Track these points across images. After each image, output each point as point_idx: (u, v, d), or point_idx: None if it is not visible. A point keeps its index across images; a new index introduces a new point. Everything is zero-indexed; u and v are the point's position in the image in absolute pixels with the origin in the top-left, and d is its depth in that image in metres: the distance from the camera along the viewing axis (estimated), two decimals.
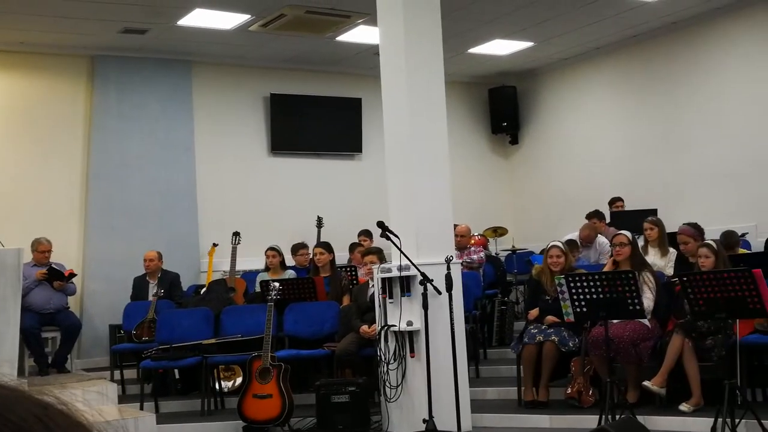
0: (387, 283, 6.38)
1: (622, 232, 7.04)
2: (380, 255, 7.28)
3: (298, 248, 9.19)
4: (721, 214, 9.68)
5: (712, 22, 10.13)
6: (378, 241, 7.73)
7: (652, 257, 7.62)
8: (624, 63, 11.36)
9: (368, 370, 6.92)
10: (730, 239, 7.50)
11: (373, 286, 6.90)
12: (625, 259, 6.71)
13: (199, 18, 9.21)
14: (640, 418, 5.62)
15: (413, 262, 6.12)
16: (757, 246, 8.77)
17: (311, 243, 9.19)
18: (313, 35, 10.03)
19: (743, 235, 8.91)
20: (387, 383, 6.31)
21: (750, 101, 9.80)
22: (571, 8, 9.63)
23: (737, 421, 5.13)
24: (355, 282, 8.35)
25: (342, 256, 9.41)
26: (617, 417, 5.52)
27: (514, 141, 13.01)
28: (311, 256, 8.69)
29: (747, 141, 9.81)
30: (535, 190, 12.65)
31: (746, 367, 6.12)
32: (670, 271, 7.36)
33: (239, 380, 7.66)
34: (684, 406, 6.09)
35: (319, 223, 10.66)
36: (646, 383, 6.20)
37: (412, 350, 6.25)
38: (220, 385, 7.55)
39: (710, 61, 10.26)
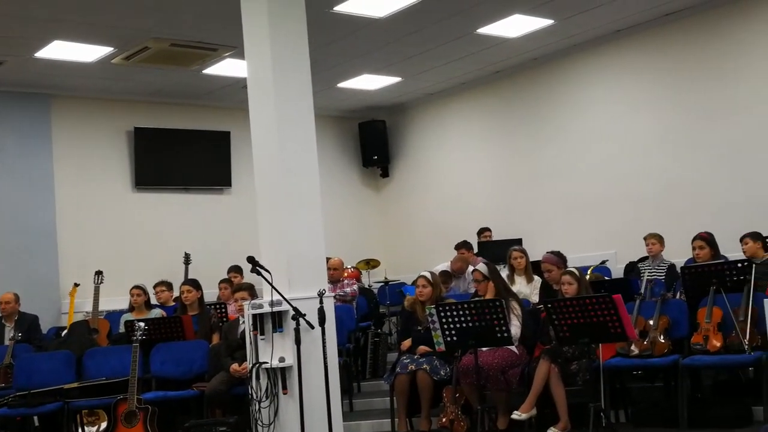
0: (258, 320, 6.26)
1: (478, 267, 7.18)
2: (251, 291, 7.17)
3: (155, 286, 8.89)
4: (583, 242, 10.06)
5: (571, 58, 10.57)
6: (249, 277, 7.61)
7: (519, 285, 7.81)
8: (489, 97, 11.69)
9: (239, 408, 6.77)
10: None
11: (243, 322, 6.78)
12: (485, 293, 6.86)
13: (58, 50, 8.91)
14: None
15: (285, 297, 6.04)
16: (617, 272, 9.13)
17: (179, 280, 8.93)
18: (179, 68, 9.86)
19: (603, 262, 9.28)
20: (259, 421, 6.18)
21: (607, 134, 10.25)
22: (437, 45, 9.85)
23: None
24: (224, 319, 8.18)
25: (211, 293, 9.22)
26: None
27: (385, 174, 13.15)
28: (176, 295, 8.47)
29: (606, 173, 10.24)
30: (406, 222, 12.80)
31: (609, 389, 6.33)
32: (535, 298, 7.56)
33: (104, 425, 7.33)
34: (552, 431, 6.22)
35: (187, 259, 10.42)
36: (514, 415, 6.29)
37: (284, 387, 6.14)
38: (83, 430, 7.22)
39: (570, 95, 10.69)
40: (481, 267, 7.14)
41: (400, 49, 9.93)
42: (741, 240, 7.34)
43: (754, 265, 6.48)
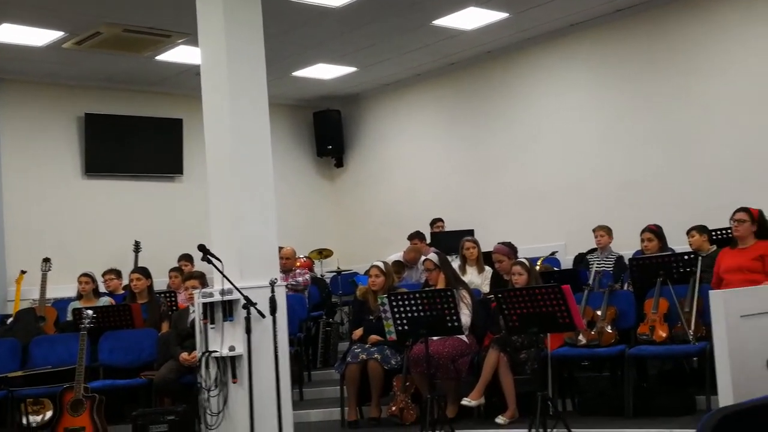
0: (208, 308, 6.22)
1: (429, 257, 7.23)
2: (202, 279, 7.12)
3: (104, 274, 8.77)
4: (534, 233, 10.16)
5: (525, 51, 10.65)
6: (200, 266, 7.55)
7: (470, 275, 7.87)
8: (443, 89, 11.73)
9: (188, 398, 6.72)
10: None
11: (193, 311, 6.73)
12: (437, 282, 6.90)
13: (6, 33, 8.73)
14: None
15: (236, 285, 6.01)
16: (567, 263, 9.25)
17: (128, 269, 8.82)
18: (132, 54, 9.73)
19: (553, 253, 9.38)
20: (208, 410, 6.15)
21: (559, 128, 10.36)
22: (392, 36, 9.86)
23: (549, 430, 5.35)
24: (174, 308, 8.11)
25: (161, 282, 9.13)
26: None
27: (339, 164, 13.14)
28: (125, 283, 8.38)
29: (557, 165, 10.35)
30: (359, 212, 12.81)
31: (557, 378, 6.42)
32: (486, 288, 7.63)
33: (49, 414, 7.22)
34: (500, 419, 6.30)
35: (137, 247, 10.31)
36: (464, 401, 6.37)
37: (234, 376, 6.12)
38: (27, 420, 7.10)
39: (524, 88, 10.78)
40: (432, 256, 7.19)
41: (355, 39, 9.92)
42: (688, 233, 7.48)
43: (700, 258, 6.61)
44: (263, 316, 6.01)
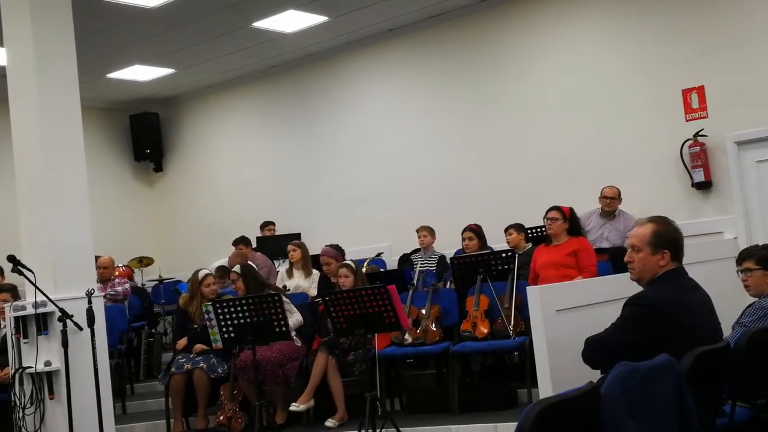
0: (21, 322, 5.90)
1: (234, 269, 7.11)
2: (13, 292, 6.83)
3: None
4: (360, 235, 10.26)
5: (346, 55, 10.75)
6: (10, 278, 7.12)
7: (297, 279, 7.86)
8: (266, 92, 11.64)
9: (2, 416, 6.32)
10: None
11: (5, 326, 6.34)
12: (242, 293, 6.77)
13: None
14: None
15: (50, 297, 5.74)
16: (392, 264, 9.40)
17: None
18: None
19: (379, 254, 9.52)
20: (23, 429, 5.81)
21: (381, 130, 10.52)
22: (211, 37, 9.68)
23: (379, 430, 5.40)
24: None
25: None
26: None
27: (159, 168, 12.77)
28: None
29: (380, 167, 10.50)
30: (181, 218, 12.50)
31: (385, 378, 6.50)
32: (314, 291, 7.63)
33: None
34: (330, 422, 6.31)
35: None
36: (292, 406, 6.33)
37: (51, 392, 5.82)
38: None
39: (345, 92, 10.87)
40: (236, 267, 7.07)
41: (173, 40, 9.67)
42: (506, 231, 7.78)
43: (517, 255, 6.89)
44: (80, 328, 5.82)
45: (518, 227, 7.78)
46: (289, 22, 9.51)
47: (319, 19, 9.51)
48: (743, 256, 4.41)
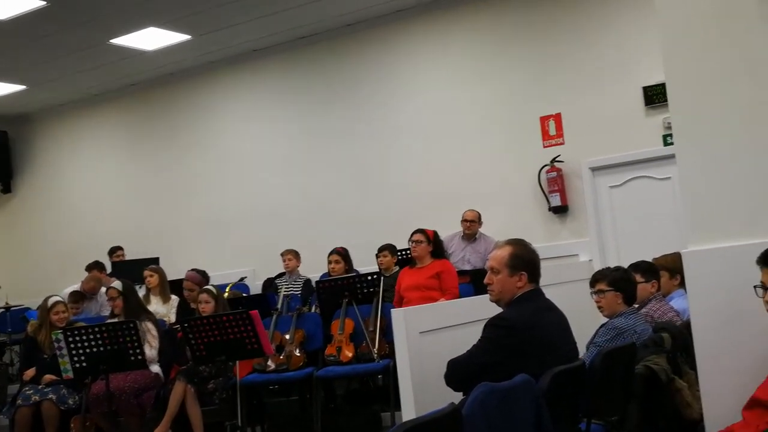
0: None
1: (113, 284, 6.83)
2: None
3: None
4: (223, 259, 10.04)
5: (209, 74, 10.56)
6: None
7: (155, 305, 7.57)
8: (125, 111, 11.28)
9: None
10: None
11: None
12: (119, 311, 6.55)
13: None
14: None
15: None
16: (256, 289, 9.22)
17: None
18: None
19: (242, 279, 9.32)
20: None
21: (245, 152, 10.36)
22: (66, 53, 9.32)
23: None
24: None
25: None
26: None
27: (7, 190, 12.22)
28: None
29: (244, 190, 10.33)
30: (31, 241, 11.93)
31: (246, 406, 6.31)
32: (173, 317, 7.37)
33: None
34: None
35: None
36: None
37: None
38: None
39: (209, 112, 10.66)
40: (117, 284, 6.79)
41: (24, 55, 9.24)
42: (379, 252, 7.73)
43: (382, 278, 6.87)
44: None
45: (392, 249, 7.74)
46: (150, 39, 9.27)
47: (181, 37, 9.30)
48: (596, 278, 4.51)
